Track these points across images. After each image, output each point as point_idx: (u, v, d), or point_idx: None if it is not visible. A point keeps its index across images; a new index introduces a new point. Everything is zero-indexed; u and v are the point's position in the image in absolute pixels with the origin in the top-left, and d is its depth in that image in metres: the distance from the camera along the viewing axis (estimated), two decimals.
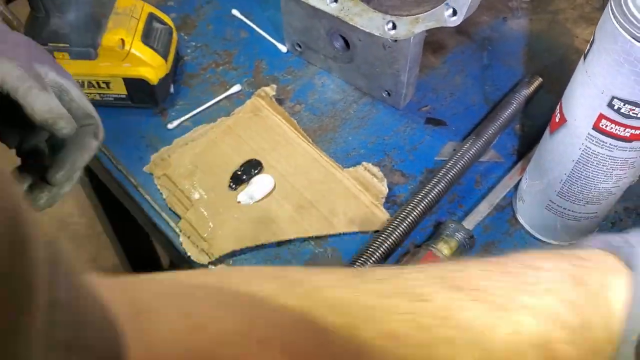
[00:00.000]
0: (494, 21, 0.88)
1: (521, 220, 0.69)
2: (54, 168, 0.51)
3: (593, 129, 0.55)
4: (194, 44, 0.84)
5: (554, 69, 0.82)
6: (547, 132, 0.62)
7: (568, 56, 0.84)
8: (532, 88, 0.77)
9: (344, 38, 0.75)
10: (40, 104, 0.48)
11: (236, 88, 0.79)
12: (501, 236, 0.68)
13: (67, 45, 0.70)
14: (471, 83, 0.81)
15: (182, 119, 0.76)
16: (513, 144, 0.75)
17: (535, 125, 0.77)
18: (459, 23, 0.59)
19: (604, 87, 0.52)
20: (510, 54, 0.84)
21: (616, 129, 0.53)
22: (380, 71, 0.74)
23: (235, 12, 0.87)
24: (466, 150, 0.71)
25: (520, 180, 0.70)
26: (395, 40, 0.67)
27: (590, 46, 0.53)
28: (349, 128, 0.76)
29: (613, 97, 0.51)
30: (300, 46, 0.81)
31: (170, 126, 0.75)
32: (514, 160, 0.74)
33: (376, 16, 0.64)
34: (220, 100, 0.78)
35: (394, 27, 0.64)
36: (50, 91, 0.50)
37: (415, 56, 0.72)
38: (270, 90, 0.77)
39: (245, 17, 0.87)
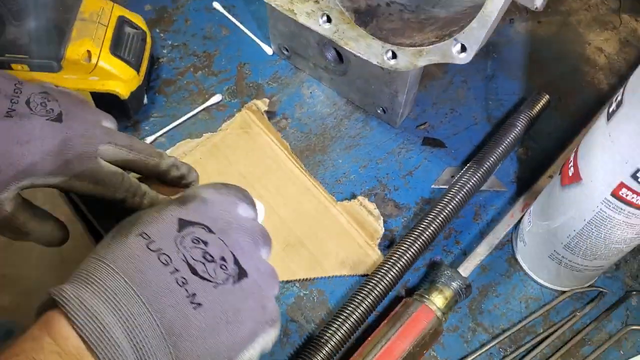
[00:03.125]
0: (500, 23, 0.80)
1: (521, 262, 0.65)
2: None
3: (611, 195, 0.49)
4: (170, 42, 0.76)
5: (564, 82, 0.76)
6: (557, 181, 0.57)
7: (579, 67, 0.78)
8: (538, 107, 0.71)
9: (336, 50, 0.68)
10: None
11: (216, 98, 0.72)
12: (500, 278, 0.64)
13: (27, 57, 0.62)
14: (473, 97, 0.74)
15: (157, 134, 0.69)
16: (515, 170, 0.70)
17: (540, 148, 0.71)
18: (468, 61, 0.53)
19: (629, 158, 0.46)
20: (516, 63, 0.77)
21: (637, 199, 0.48)
22: (376, 89, 0.67)
23: (216, 4, 0.79)
24: (466, 181, 0.65)
25: (522, 217, 0.65)
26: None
27: (617, 107, 0.47)
28: (339, 149, 0.70)
29: (639, 170, 0.46)
30: (287, 50, 0.74)
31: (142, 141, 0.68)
32: (516, 189, 0.69)
33: (374, 43, 0.57)
34: (199, 112, 0.71)
35: (394, 56, 0.57)
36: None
37: (416, 77, 0.65)
38: (262, 104, 0.70)
39: (228, 11, 0.79)
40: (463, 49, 0.52)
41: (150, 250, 0.38)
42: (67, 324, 0.36)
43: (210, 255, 0.40)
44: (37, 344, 0.36)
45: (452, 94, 0.74)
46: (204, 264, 0.39)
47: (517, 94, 0.75)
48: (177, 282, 0.38)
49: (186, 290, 0.38)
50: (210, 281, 0.39)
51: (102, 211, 0.59)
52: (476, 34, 0.50)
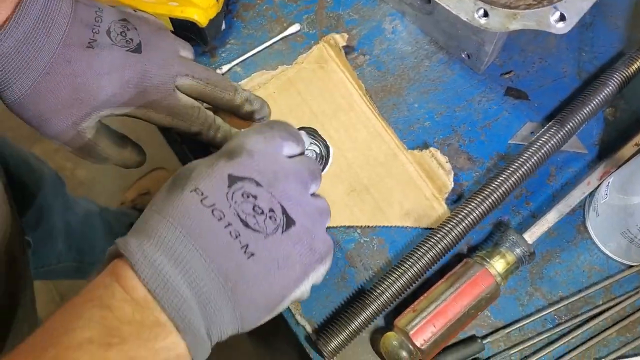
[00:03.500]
0: None
1: (591, 231, 0.63)
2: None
3: None
4: None
5: None
6: None
7: None
8: (636, 66, 0.65)
9: None
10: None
11: (294, 28, 0.70)
12: (565, 244, 0.63)
13: None
14: (566, 47, 0.69)
15: (233, 62, 0.68)
16: (600, 132, 0.66)
17: (631, 110, 0.67)
18: (566, 32, 0.49)
19: None
20: (620, 11, 0.71)
21: None
22: (462, 34, 0.64)
23: None
24: (546, 141, 0.62)
25: (599, 186, 0.63)
26: None
27: None
28: (416, 92, 0.68)
29: None
30: None
31: (219, 72, 0.68)
32: (597, 152, 0.66)
33: None
34: (276, 42, 0.69)
35: (486, 14, 0.53)
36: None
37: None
38: (341, 39, 0.68)
39: None
40: (562, 18, 0.48)
41: (205, 205, 0.41)
42: (134, 276, 0.39)
43: (260, 208, 0.42)
44: (109, 291, 0.39)
45: (543, 42, 0.69)
46: (254, 216, 0.42)
47: (615, 47, 0.69)
48: (231, 235, 0.41)
49: (240, 241, 0.41)
50: (261, 232, 0.42)
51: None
52: (579, 4, 0.46)
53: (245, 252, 0.41)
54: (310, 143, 0.64)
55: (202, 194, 0.42)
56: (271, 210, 0.43)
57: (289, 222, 0.43)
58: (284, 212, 0.43)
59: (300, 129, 0.64)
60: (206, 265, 0.40)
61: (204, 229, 0.41)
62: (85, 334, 0.36)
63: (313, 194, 0.48)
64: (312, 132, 0.64)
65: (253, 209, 0.42)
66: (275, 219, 0.43)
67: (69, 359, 0.35)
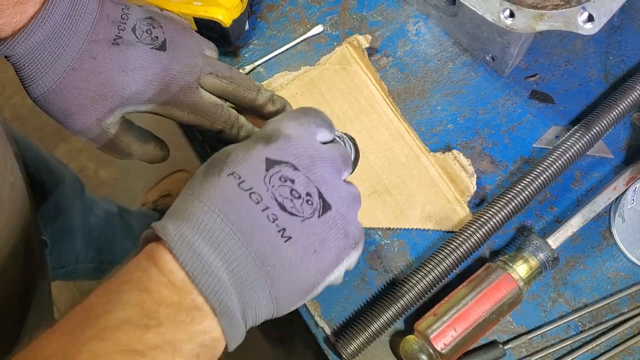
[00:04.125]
0: None
1: (616, 237, 0.62)
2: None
3: None
4: None
5: None
6: None
7: None
8: None
9: None
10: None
11: (317, 29, 0.70)
12: (590, 250, 0.62)
13: None
14: (593, 50, 0.68)
15: (256, 63, 0.68)
16: (627, 137, 0.65)
17: None
18: (594, 33, 0.48)
19: None
20: None
21: None
22: (487, 36, 0.63)
23: None
24: (571, 145, 0.61)
25: (625, 191, 0.61)
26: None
27: None
28: (439, 94, 0.67)
29: None
30: None
31: (242, 72, 0.68)
32: (624, 158, 0.64)
33: None
34: (299, 43, 0.69)
35: (512, 15, 0.52)
36: None
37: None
38: (364, 40, 0.68)
39: None
40: (590, 19, 0.47)
41: (242, 189, 0.41)
42: (171, 259, 0.39)
43: (297, 192, 0.42)
44: (146, 274, 0.39)
45: (569, 45, 0.69)
46: (291, 200, 0.42)
47: None
48: (268, 219, 0.41)
49: (277, 225, 0.41)
50: (298, 216, 0.42)
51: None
52: (608, 4, 0.45)
53: (282, 235, 0.41)
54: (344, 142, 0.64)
55: (240, 177, 0.41)
56: (308, 194, 0.43)
57: (326, 206, 0.43)
58: (321, 196, 0.43)
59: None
60: (244, 249, 0.40)
61: (242, 212, 0.41)
62: (123, 315, 0.36)
63: (345, 181, 0.48)
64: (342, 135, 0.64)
65: (290, 192, 0.42)
66: (312, 203, 0.43)
67: (107, 339, 0.36)
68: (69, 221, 1.07)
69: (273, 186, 0.42)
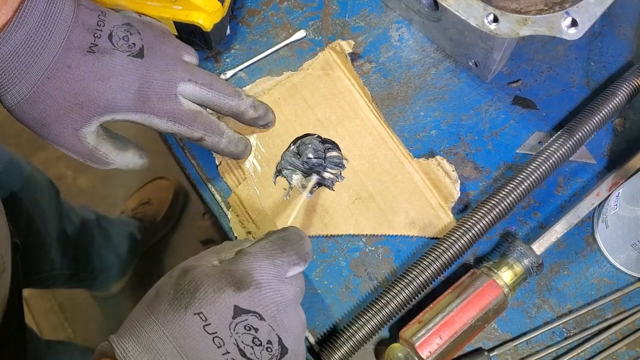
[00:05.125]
0: None
1: (600, 243, 0.62)
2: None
3: None
4: None
5: None
6: None
7: None
8: None
9: None
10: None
11: (300, 34, 0.69)
12: (574, 256, 0.61)
13: None
14: (574, 56, 0.68)
15: (238, 68, 0.68)
16: (609, 142, 0.65)
17: None
18: (578, 37, 0.48)
19: None
20: (629, 21, 0.70)
21: None
22: (470, 41, 0.63)
23: None
24: (554, 151, 0.61)
25: (608, 197, 0.61)
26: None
27: None
28: (422, 100, 0.67)
29: None
30: None
31: (223, 77, 0.67)
32: (606, 163, 0.65)
33: (476, 4, 0.52)
34: (281, 48, 0.69)
35: (496, 20, 0.52)
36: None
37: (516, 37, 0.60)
38: (347, 46, 0.67)
39: None
40: (574, 23, 0.47)
41: (207, 332, 0.42)
42: None
43: (259, 340, 0.44)
44: None
45: (551, 51, 0.69)
46: (252, 347, 0.43)
47: (624, 57, 0.68)
48: None
49: None
50: None
51: None
52: (592, 10, 0.45)
53: None
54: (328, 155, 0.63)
55: (206, 319, 0.42)
56: (269, 342, 0.44)
57: (283, 352, 0.45)
58: (280, 342, 0.45)
59: (323, 141, 0.64)
60: None
61: (202, 353, 0.42)
62: None
63: (298, 307, 0.49)
64: (329, 144, 0.64)
65: (252, 340, 0.43)
66: (272, 350, 0.44)
67: None
68: (43, 229, 1.05)
69: (237, 333, 0.43)
